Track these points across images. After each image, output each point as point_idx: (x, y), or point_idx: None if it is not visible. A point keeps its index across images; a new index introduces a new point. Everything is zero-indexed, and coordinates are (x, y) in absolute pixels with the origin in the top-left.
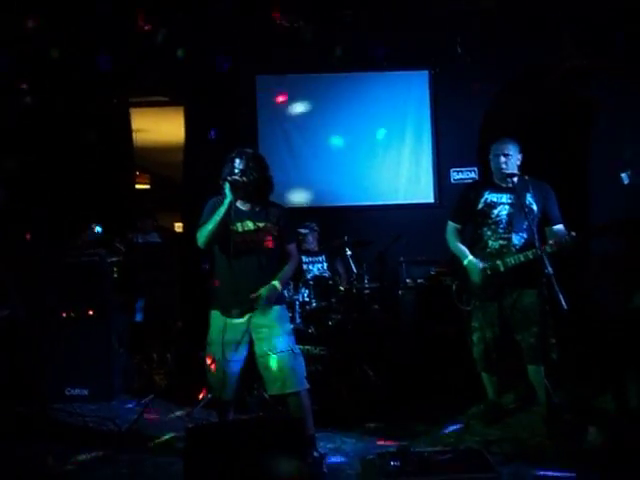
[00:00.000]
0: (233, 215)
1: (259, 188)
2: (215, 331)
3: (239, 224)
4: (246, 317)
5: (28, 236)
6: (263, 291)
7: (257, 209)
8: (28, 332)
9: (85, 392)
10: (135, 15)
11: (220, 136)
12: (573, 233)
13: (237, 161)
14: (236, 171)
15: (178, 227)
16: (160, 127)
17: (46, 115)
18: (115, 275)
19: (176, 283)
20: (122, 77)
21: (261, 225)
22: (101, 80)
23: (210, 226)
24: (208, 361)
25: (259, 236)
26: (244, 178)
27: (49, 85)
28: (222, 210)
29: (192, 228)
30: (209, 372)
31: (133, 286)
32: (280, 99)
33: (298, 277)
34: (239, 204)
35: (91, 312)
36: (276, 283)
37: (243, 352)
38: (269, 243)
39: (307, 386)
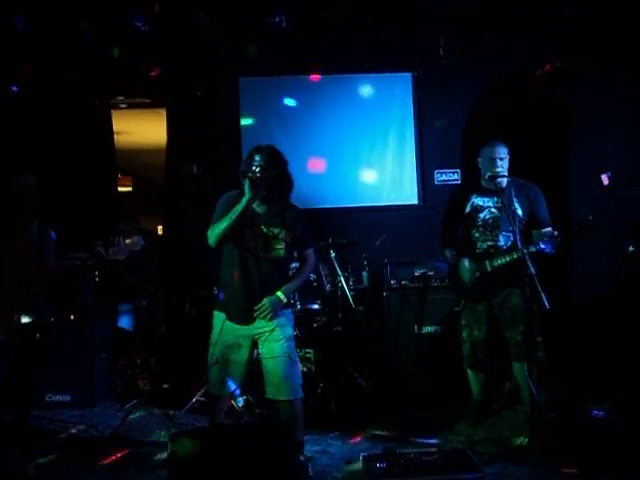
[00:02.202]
0: (248, 217)
1: (279, 187)
2: (218, 332)
3: (252, 229)
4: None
5: None
6: (266, 302)
7: (273, 213)
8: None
9: (67, 398)
10: (118, 15)
11: (203, 139)
12: (556, 233)
13: (257, 157)
14: (256, 167)
15: (161, 230)
16: (142, 129)
17: (26, 116)
18: (97, 279)
19: (160, 287)
20: (103, 78)
21: (275, 232)
22: (82, 81)
23: (224, 224)
24: (210, 361)
25: (271, 243)
26: (265, 174)
27: (29, 86)
28: (239, 208)
29: (173, 231)
30: (210, 372)
31: (115, 290)
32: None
33: None
34: (255, 206)
35: (72, 317)
36: (280, 295)
37: (245, 354)
38: (281, 251)
39: (301, 395)
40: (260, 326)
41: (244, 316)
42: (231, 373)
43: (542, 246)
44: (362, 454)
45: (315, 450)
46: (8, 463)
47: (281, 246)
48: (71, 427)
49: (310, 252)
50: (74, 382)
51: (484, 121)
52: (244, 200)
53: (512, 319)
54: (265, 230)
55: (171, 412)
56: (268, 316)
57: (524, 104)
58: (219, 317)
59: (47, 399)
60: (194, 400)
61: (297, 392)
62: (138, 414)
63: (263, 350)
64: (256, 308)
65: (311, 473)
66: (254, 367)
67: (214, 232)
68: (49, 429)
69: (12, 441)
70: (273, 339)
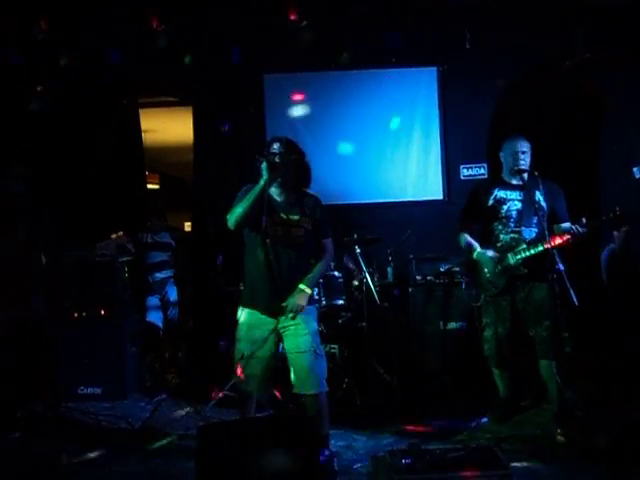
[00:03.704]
0: (266, 205)
1: (297, 174)
2: (244, 327)
3: (272, 216)
4: (274, 315)
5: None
6: (292, 299)
7: (292, 201)
8: (44, 332)
9: (98, 391)
10: (144, 15)
11: (229, 134)
12: (584, 220)
13: (275, 145)
14: (274, 153)
15: (188, 227)
16: (169, 127)
17: (56, 116)
18: (126, 275)
19: (187, 283)
20: (131, 78)
21: (295, 219)
22: (110, 81)
23: (244, 205)
24: (237, 357)
25: (292, 231)
26: (283, 160)
27: (59, 87)
28: (257, 189)
29: (201, 228)
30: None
31: (144, 286)
32: (288, 97)
33: None
34: (274, 194)
35: (103, 312)
36: (304, 287)
37: (270, 349)
38: (302, 238)
39: (326, 389)
40: (286, 320)
41: (271, 307)
42: (256, 369)
43: (574, 227)
44: (387, 449)
45: (340, 445)
46: (42, 452)
47: (301, 233)
48: (102, 419)
49: (328, 242)
50: (105, 375)
51: (510, 115)
52: (262, 181)
53: (536, 315)
54: (284, 217)
55: (198, 406)
56: (297, 311)
57: (551, 97)
58: (244, 312)
59: (79, 392)
60: (221, 394)
61: (322, 386)
62: (166, 407)
63: (288, 345)
64: (284, 305)
65: (336, 468)
66: (278, 362)
67: (233, 214)
68: (81, 420)
69: (46, 432)
70: (298, 334)
